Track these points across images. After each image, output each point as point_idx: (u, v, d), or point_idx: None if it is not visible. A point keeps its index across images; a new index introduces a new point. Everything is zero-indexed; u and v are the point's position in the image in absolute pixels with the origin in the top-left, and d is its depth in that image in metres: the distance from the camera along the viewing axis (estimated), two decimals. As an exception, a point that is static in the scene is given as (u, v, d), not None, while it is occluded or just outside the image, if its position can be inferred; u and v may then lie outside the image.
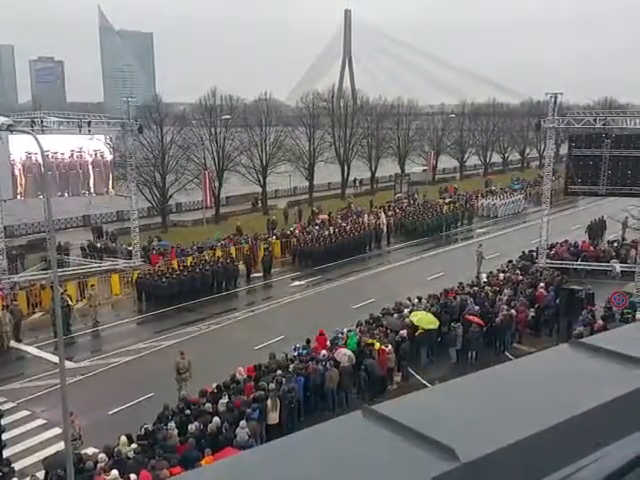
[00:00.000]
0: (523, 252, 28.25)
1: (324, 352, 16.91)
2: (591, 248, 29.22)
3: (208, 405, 13.99)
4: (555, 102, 26.18)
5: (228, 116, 44.76)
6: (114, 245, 33.22)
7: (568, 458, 1.43)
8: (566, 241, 29.90)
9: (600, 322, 18.69)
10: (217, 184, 43.36)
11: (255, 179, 45.89)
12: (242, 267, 29.01)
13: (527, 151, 69.40)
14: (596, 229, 33.85)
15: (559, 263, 26.97)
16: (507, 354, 19.14)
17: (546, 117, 26.82)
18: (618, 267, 26.47)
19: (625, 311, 19.88)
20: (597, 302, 21.62)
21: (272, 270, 29.77)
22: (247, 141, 46.20)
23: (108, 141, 27.69)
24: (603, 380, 1.71)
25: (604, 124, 25.96)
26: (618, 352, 1.83)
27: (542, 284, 22.83)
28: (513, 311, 20.45)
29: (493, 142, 65.41)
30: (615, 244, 29.91)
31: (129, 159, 28.97)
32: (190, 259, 28.94)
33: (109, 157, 28.04)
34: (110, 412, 15.88)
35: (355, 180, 56.36)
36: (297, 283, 28.46)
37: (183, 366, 16.68)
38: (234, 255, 30.11)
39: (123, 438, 12.59)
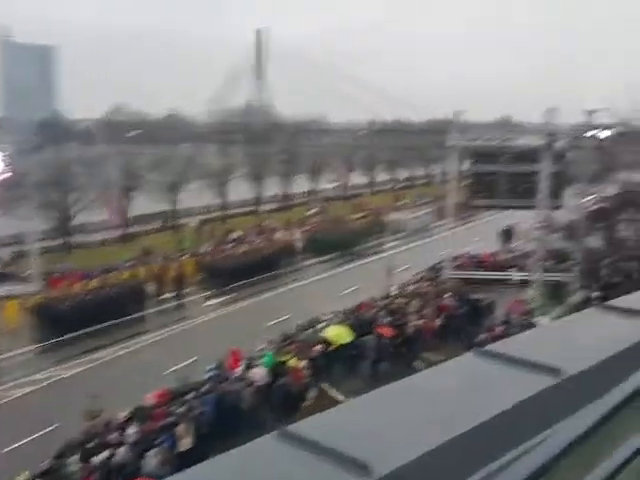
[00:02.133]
0: (431, 264, 29.28)
1: (238, 372, 16.78)
2: (491, 259, 30.71)
3: (115, 435, 13.50)
4: (457, 120, 27.42)
5: (136, 132, 43.74)
6: (11, 270, 31.39)
7: (478, 465, 1.47)
8: (469, 252, 31.26)
9: (501, 328, 19.68)
10: (124, 203, 42.11)
11: (165, 197, 44.95)
12: (152, 288, 28.30)
13: (432, 167, 72.08)
14: (505, 236, 36.01)
15: (463, 274, 28.13)
16: (417, 363, 19.71)
17: (449, 135, 27.99)
18: (517, 276, 27.92)
19: (523, 317, 21.08)
20: (498, 309, 22.79)
21: (184, 290, 29.21)
22: (156, 158, 45.27)
23: (1, 159, 26.35)
24: (506, 386, 1.77)
25: (502, 141, 27.46)
26: (518, 358, 1.90)
27: (448, 294, 23.77)
28: (422, 321, 21.15)
29: (401, 159, 67.46)
30: (513, 254, 31.52)
31: (27, 177, 27.67)
32: (95, 281, 27.85)
33: (4, 176, 26.67)
34: (6, 449, 14.93)
35: (275, 196, 56.47)
36: (210, 302, 28.06)
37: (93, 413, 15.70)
38: (143, 276, 29.33)
39: (21, 477, 11.89)
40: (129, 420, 14.00)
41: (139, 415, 14.32)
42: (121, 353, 21.93)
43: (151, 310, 27.27)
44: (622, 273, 22.72)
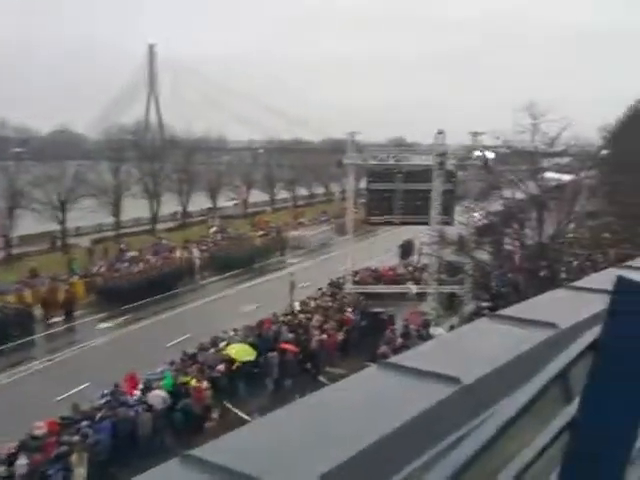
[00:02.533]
0: (331, 279, 29.69)
1: (136, 396, 16.14)
2: (390, 272, 31.69)
3: (3, 468, 12.55)
4: (353, 140, 28.14)
5: (20, 149, 41.38)
6: None
7: (389, 473, 1.50)
8: (368, 267, 32.10)
9: (400, 340, 20.29)
10: (7, 223, 39.54)
11: (53, 216, 42.64)
12: (40, 312, 26.71)
13: (331, 185, 73.58)
14: (406, 249, 37.23)
15: (363, 288, 28.73)
16: (321, 378, 19.83)
17: (346, 154, 28.68)
18: (414, 289, 28.93)
19: (421, 328, 21.88)
20: (397, 322, 23.49)
21: (75, 313, 27.77)
22: (43, 175, 42.96)
23: None
24: (409, 397, 1.82)
25: (396, 160, 28.47)
26: (420, 369, 1.97)
27: (349, 308, 24.22)
28: (324, 336, 21.37)
29: (300, 177, 68.34)
30: (410, 268, 32.69)
31: None
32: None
33: None
34: None
35: (173, 214, 55.22)
36: (105, 325, 26.85)
37: None
38: (30, 299, 27.59)
39: None
40: (18, 452, 13.05)
41: (28, 446, 13.39)
42: (5, 382, 20.45)
43: (39, 335, 25.73)
44: (510, 284, 24.15)
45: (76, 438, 13.64)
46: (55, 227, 43.68)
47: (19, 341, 24.54)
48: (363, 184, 37.12)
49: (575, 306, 2.73)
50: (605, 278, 3.72)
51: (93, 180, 46.06)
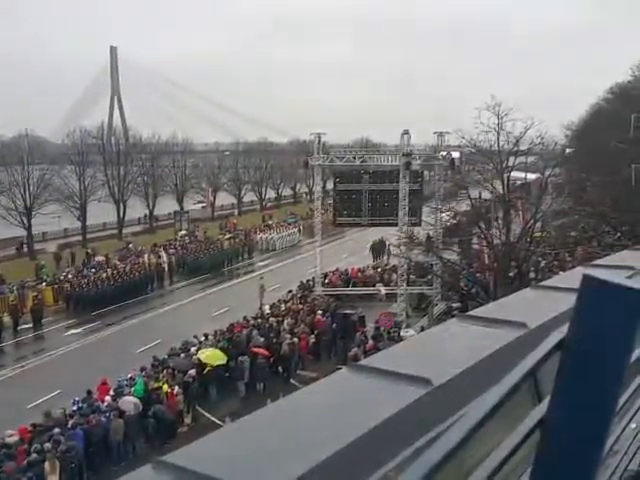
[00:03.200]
0: (301, 282, 29.65)
1: (107, 402, 16.02)
2: (359, 274, 31.78)
3: (-27, 480, 12.36)
4: (319, 141, 28.20)
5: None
6: None
7: (360, 476, 1.52)
8: (337, 269, 32.18)
9: (371, 342, 20.45)
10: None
11: (18, 222, 41.81)
12: (7, 319, 26.22)
13: (298, 186, 73.45)
14: (378, 248, 37.27)
15: (333, 290, 28.85)
16: (293, 381, 19.90)
17: (312, 155, 28.75)
18: (383, 290, 29.09)
19: (392, 330, 22.08)
20: (368, 323, 23.69)
21: (43, 320, 27.30)
22: (7, 181, 42.10)
23: None
24: (381, 399, 1.83)
25: (362, 161, 28.62)
26: (391, 371, 1.99)
27: (320, 311, 24.29)
28: (295, 339, 21.43)
29: (267, 179, 68.07)
30: (379, 269, 32.86)
31: None
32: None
33: None
34: None
35: (140, 218, 54.55)
36: (73, 331, 26.47)
37: None
38: (-4, 306, 27.12)
39: None
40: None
41: (0, 453, 13.20)
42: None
43: (8, 342, 25.31)
44: (479, 284, 24.47)
45: (48, 445, 13.49)
46: (21, 233, 42.85)
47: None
48: (330, 185, 37.28)
49: (544, 305, 2.79)
50: (573, 277, 3.88)
51: (58, 185, 45.28)
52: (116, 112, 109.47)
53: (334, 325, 23.13)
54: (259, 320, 23.24)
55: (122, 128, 73.48)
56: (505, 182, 24.49)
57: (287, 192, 74.28)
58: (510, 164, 25.14)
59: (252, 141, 77.65)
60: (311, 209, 42.24)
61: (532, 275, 23.36)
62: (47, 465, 13.13)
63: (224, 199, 66.25)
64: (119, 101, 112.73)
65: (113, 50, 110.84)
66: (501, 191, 24.58)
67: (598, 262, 4.28)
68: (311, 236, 35.64)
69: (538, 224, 24.46)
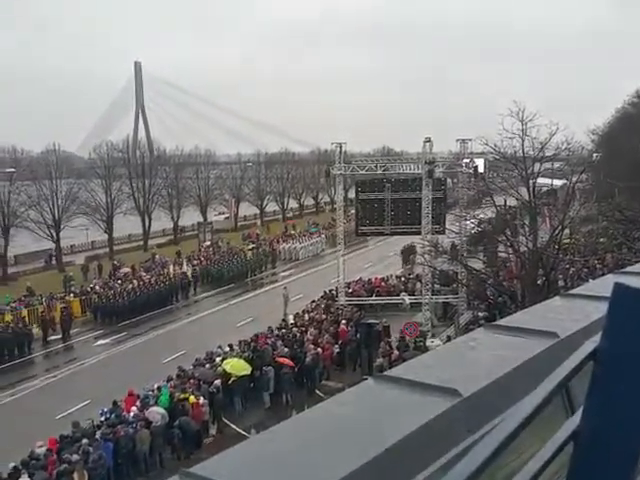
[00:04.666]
0: (324, 292, 29.55)
1: (134, 412, 16.13)
2: (382, 284, 31.52)
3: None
4: (340, 151, 28.15)
5: (12, 169, 41.27)
6: None
7: None
8: (360, 279, 32.02)
9: (396, 352, 20.27)
10: (2, 242, 39.44)
11: (47, 235, 42.58)
12: (37, 330, 26.66)
13: (320, 196, 73.59)
14: (408, 253, 36.80)
15: (356, 300, 28.66)
16: (318, 392, 19.82)
17: (333, 165, 28.68)
18: (407, 299, 28.81)
19: (417, 339, 21.88)
20: (392, 333, 23.52)
21: (72, 331, 27.71)
22: (36, 195, 42.90)
23: None
24: (408, 410, 1.80)
25: (384, 170, 28.54)
26: (418, 382, 1.96)
27: (343, 321, 24.17)
28: (320, 349, 21.35)
29: (289, 189, 68.33)
30: (403, 279, 32.50)
31: None
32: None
33: None
34: None
35: (165, 229, 55.07)
36: (101, 342, 26.80)
37: None
38: (27, 318, 27.53)
39: None
40: (19, 470, 13.02)
41: (29, 464, 13.36)
42: (6, 400, 20.41)
43: (38, 353, 25.71)
44: (506, 293, 24.09)
45: (76, 456, 13.63)
46: (50, 245, 43.59)
47: (19, 360, 24.54)
48: (352, 194, 37.26)
49: (574, 314, 2.71)
50: (604, 285, 3.78)
51: (85, 198, 46.02)
52: (141, 126, 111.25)
53: (358, 335, 23.00)
54: (283, 330, 23.22)
55: (147, 141, 74.55)
56: (531, 189, 24.17)
57: (309, 202, 74.43)
58: (536, 170, 24.85)
59: (274, 152, 78.15)
60: (333, 218, 42.29)
61: (561, 283, 22.99)
62: (76, 476, 13.27)
63: (247, 209, 66.68)
64: (144, 115, 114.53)
65: (137, 65, 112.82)
66: (527, 198, 24.26)
67: (629, 269, 4.18)
68: (334, 245, 35.63)
69: (566, 231, 24.08)
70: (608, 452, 1.06)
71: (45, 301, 29.42)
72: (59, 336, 27.23)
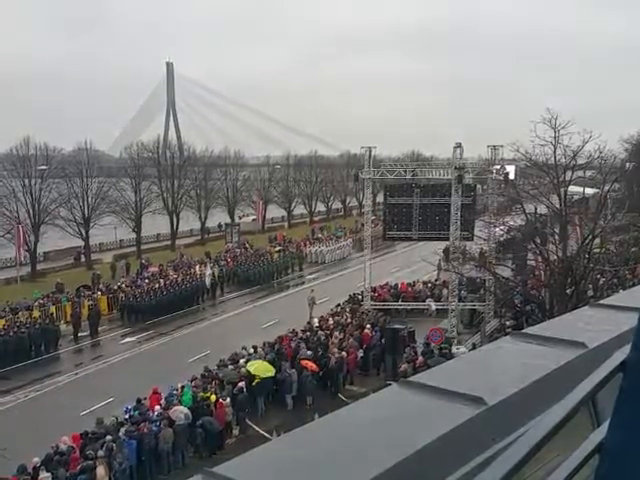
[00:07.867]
0: (350, 295, 29.53)
1: (158, 411, 16.26)
2: (409, 289, 31.43)
3: (29, 482, 12.73)
4: (370, 155, 28.09)
5: (44, 166, 42.10)
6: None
7: None
8: (387, 283, 31.90)
9: (421, 358, 20.11)
10: (32, 239, 40.24)
11: (76, 232, 43.29)
12: (65, 327, 27.08)
13: (348, 200, 73.58)
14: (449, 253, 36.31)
15: (382, 304, 28.60)
16: (341, 396, 19.78)
17: (362, 169, 28.67)
18: (433, 305, 28.63)
19: (442, 346, 21.65)
20: (417, 339, 23.35)
21: (99, 328, 28.08)
22: (66, 193, 43.67)
23: None
24: (432, 417, 1.79)
25: (413, 175, 28.41)
26: (442, 388, 1.94)
27: (368, 325, 24.08)
28: (344, 353, 21.28)
29: (317, 192, 68.43)
30: (429, 284, 32.31)
31: None
32: (2, 322, 26.27)
33: None
34: None
35: (192, 230, 55.62)
36: (127, 340, 27.13)
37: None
38: (54, 314, 27.99)
39: None
40: (43, 465, 13.22)
41: (54, 459, 13.56)
42: (32, 396, 20.75)
43: (65, 349, 26.09)
44: (534, 301, 23.75)
45: (100, 452, 13.78)
46: (79, 243, 44.32)
47: (46, 355, 24.94)
48: (380, 198, 37.13)
49: (604, 325, 2.66)
50: (634, 295, 3.67)
51: (115, 197, 46.69)
52: (172, 126, 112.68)
53: (383, 340, 22.88)
54: (307, 333, 23.21)
55: (177, 142, 75.40)
56: (562, 197, 23.80)
57: (337, 205, 74.46)
58: (567, 178, 24.46)
59: (302, 154, 78.42)
60: (361, 223, 42.16)
61: (590, 293, 22.56)
62: (99, 472, 13.41)
63: (274, 212, 66.99)
64: (174, 116, 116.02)
65: (169, 66, 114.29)
66: (558, 206, 23.89)
67: None
68: (360, 250, 35.53)
69: (597, 240, 23.65)
70: (634, 467, 1.03)
71: (73, 298, 29.83)
72: (86, 333, 27.61)
